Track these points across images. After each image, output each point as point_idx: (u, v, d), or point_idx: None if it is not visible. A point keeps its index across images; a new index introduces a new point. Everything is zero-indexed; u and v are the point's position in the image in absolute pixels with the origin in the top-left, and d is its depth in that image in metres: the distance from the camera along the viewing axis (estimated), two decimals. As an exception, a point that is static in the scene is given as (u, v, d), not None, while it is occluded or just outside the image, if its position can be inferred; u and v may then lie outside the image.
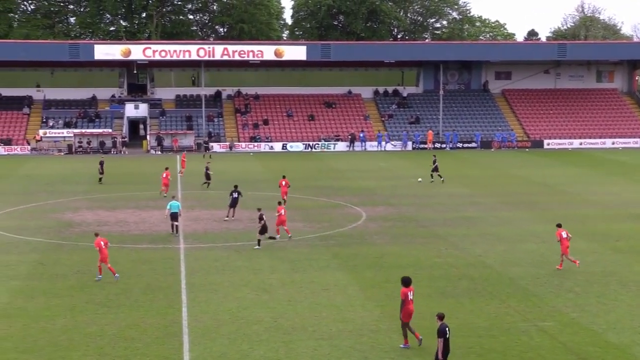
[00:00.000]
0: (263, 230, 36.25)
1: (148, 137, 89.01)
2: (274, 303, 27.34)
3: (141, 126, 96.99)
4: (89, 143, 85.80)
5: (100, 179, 59.09)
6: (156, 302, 27.39)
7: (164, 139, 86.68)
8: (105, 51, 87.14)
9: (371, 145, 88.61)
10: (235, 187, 44.32)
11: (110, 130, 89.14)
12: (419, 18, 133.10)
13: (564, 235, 32.20)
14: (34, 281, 30.09)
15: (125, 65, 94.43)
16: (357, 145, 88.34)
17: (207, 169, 57.29)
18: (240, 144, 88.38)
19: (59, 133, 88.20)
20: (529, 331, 24.71)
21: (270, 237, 36.99)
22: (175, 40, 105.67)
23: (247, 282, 29.99)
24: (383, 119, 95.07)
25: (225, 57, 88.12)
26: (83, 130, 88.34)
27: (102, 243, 30.52)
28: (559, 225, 32.88)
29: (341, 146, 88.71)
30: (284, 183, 49.51)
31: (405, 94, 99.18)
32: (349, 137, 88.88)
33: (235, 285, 29.46)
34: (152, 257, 34.24)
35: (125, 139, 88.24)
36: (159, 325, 24.97)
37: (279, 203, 40.09)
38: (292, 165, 71.97)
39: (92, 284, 29.55)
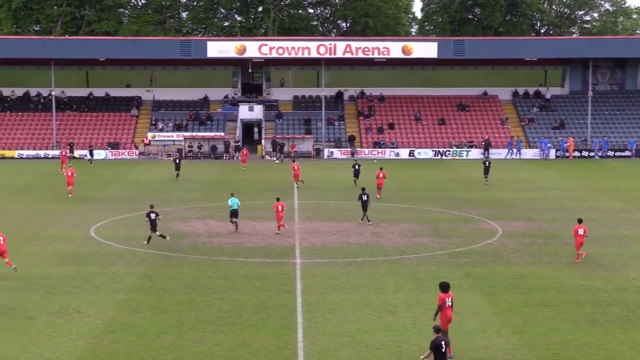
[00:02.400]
0: (153, 227, 39.87)
1: (263, 141, 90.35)
2: (398, 326, 27.23)
3: (256, 129, 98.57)
4: (199, 147, 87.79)
5: (177, 175, 66.19)
6: (269, 321, 27.71)
7: (284, 144, 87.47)
8: (218, 48, 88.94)
9: (498, 153, 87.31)
10: (363, 189, 47.13)
11: (222, 134, 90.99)
12: (566, 10, 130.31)
13: (580, 232, 36.29)
14: (140, 295, 30.94)
15: (239, 64, 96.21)
16: (495, 153, 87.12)
17: (357, 165, 62.77)
18: (362, 149, 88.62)
19: (168, 136, 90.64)
20: (691, 367, 23.77)
21: (161, 236, 40.05)
22: (294, 36, 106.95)
23: (368, 302, 29.99)
24: (522, 123, 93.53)
25: (348, 55, 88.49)
26: (194, 134, 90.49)
27: (0, 238, 32.96)
28: (579, 221, 36.84)
29: (475, 153, 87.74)
30: (381, 175, 55.24)
31: (548, 96, 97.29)
32: (483, 143, 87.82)
33: (356, 305, 29.50)
34: (266, 272, 34.67)
35: (239, 143, 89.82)
36: (272, 347, 25.24)
37: (277, 199, 44.31)
38: (419, 174, 71.68)
39: (200, 300, 30.16)
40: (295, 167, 62.31)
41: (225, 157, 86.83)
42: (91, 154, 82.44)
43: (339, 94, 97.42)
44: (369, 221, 45.82)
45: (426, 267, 35.61)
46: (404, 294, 31.03)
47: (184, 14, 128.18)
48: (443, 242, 41.16)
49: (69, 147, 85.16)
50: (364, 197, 46.11)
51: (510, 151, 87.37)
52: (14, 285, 31.95)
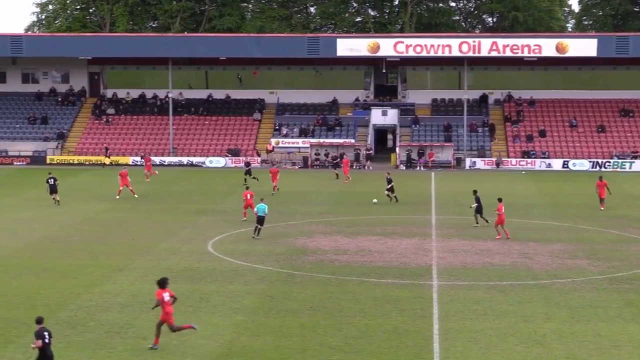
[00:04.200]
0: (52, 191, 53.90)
1: (397, 149, 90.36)
2: (548, 358, 26.75)
3: (389, 136, 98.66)
4: (327, 155, 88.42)
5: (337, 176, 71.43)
6: (402, 349, 27.61)
7: (424, 152, 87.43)
8: (349, 46, 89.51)
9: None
10: (475, 192, 50.84)
11: (352, 141, 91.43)
12: None
13: (503, 210, 46.06)
14: (260, 316, 31.28)
15: (372, 63, 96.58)
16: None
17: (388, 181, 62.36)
18: (509, 160, 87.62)
19: (293, 143, 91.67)
20: None
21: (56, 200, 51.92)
22: (433, 33, 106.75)
23: (514, 331, 29.56)
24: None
25: (494, 53, 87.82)
26: (321, 140, 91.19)
27: None
28: (499, 200, 46.41)
29: None
30: (601, 184, 58.10)
31: None
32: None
33: (500, 335, 29.13)
34: (399, 294, 34.58)
35: (371, 152, 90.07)
36: (405, 378, 25.13)
37: (246, 188, 53.25)
38: (574, 188, 70.40)
39: (326, 323, 30.28)
40: (274, 171, 67.03)
41: (356, 166, 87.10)
42: (248, 171, 73.56)
43: (483, 97, 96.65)
44: (476, 224, 50.09)
45: (581, 293, 34.86)
46: (555, 324, 30.45)
47: (312, 9, 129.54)
48: (601, 266, 40.22)
49: (105, 150, 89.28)
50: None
51: None
52: (126, 303, 32.81)
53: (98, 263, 40.14)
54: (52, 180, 58.66)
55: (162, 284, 27.43)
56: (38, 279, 36.64)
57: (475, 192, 51.04)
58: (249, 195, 51.54)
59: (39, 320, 23.15)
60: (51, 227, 50.11)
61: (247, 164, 74.48)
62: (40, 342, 22.60)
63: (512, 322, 30.67)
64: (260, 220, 45.87)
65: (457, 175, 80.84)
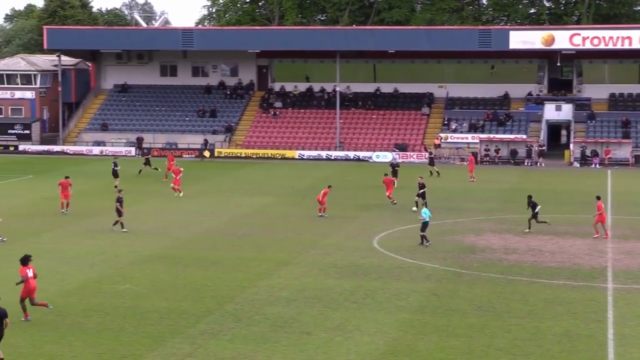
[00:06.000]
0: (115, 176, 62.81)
1: (571, 146, 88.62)
2: None
3: (563, 132, 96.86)
4: (497, 151, 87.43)
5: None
6: (574, 353, 27.11)
7: (597, 153, 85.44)
8: (522, 39, 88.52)
9: None
10: (530, 197, 48.11)
11: (524, 137, 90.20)
12: None
13: (602, 209, 45.85)
14: (426, 315, 31.24)
15: (546, 56, 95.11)
16: None
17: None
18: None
19: (462, 138, 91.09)
20: None
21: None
22: (612, 24, 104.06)
23: (695, 339, 28.62)
24: None
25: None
26: (491, 136, 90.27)
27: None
28: (598, 198, 46.47)
29: None
30: None
31: None
32: None
33: (679, 342, 28.24)
34: (571, 296, 33.97)
35: (543, 148, 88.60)
36: (577, 384, 24.68)
37: (385, 175, 56.68)
38: None
39: (494, 324, 29.99)
40: (388, 181, 58.56)
41: (527, 162, 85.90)
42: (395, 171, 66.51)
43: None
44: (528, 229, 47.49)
45: None
46: None
47: (484, 0, 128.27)
48: None
49: (205, 143, 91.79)
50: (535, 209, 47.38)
51: None
52: (291, 297, 33.29)
53: (264, 257, 40.89)
54: (114, 165, 64.40)
55: (24, 261, 29.45)
56: (205, 271, 37.61)
57: (529, 197, 48.23)
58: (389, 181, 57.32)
59: None
60: (219, 220, 51.38)
61: (396, 164, 69.67)
62: None
63: (694, 329, 29.72)
64: (424, 225, 43.38)
65: (636, 174, 78.66)
